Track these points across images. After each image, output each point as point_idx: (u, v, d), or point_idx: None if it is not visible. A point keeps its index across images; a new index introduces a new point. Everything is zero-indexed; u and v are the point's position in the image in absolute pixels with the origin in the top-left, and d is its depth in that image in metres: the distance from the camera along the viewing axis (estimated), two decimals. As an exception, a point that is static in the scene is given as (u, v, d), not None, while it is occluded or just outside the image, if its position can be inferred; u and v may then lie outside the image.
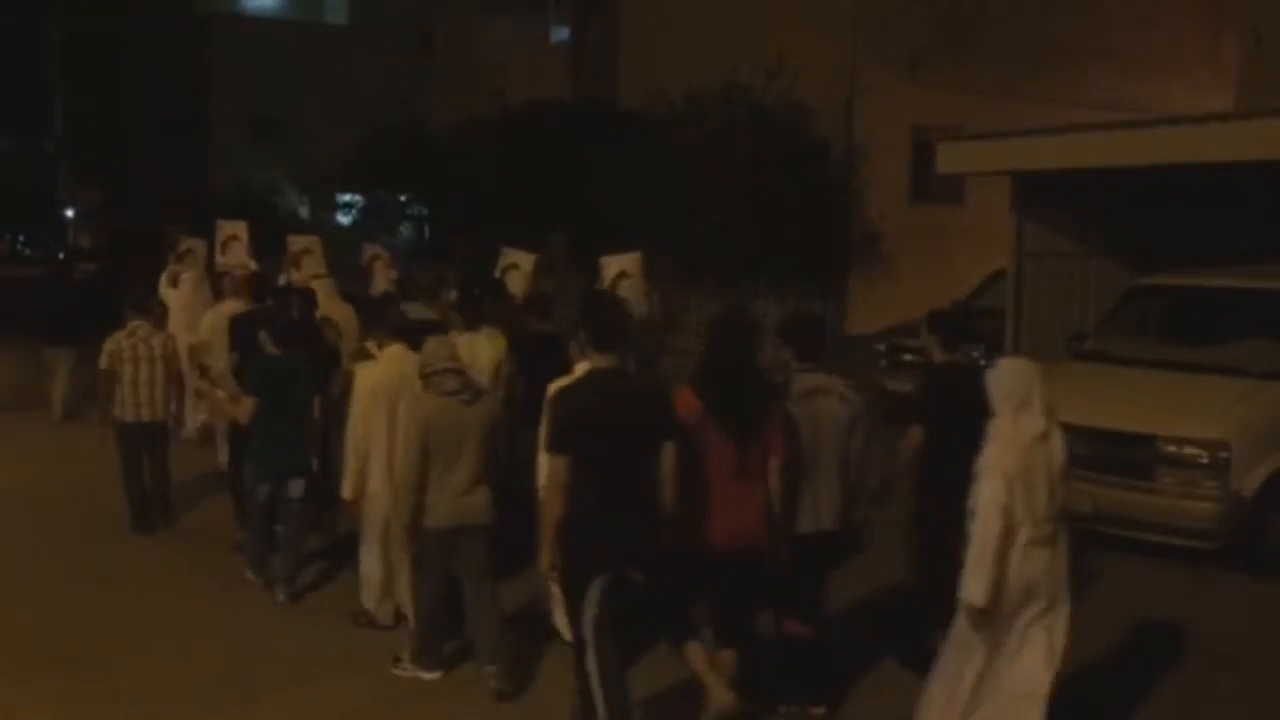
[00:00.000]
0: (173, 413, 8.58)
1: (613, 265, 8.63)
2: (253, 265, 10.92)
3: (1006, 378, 4.65)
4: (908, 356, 13.08)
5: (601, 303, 6.15)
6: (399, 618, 6.40)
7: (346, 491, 6.30)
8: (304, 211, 32.59)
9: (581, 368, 5.30)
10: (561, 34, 27.20)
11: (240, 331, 7.97)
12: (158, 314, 9.05)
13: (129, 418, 8.24)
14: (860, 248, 17.62)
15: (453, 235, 23.45)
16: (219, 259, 11.29)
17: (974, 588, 4.50)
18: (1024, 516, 4.50)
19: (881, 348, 13.42)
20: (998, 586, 4.50)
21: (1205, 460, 7.57)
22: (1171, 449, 7.70)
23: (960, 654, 4.70)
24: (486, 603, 5.64)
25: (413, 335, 6.26)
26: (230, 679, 5.90)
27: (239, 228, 11.39)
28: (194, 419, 10.09)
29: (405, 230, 27.04)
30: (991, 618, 4.56)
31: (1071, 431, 8.06)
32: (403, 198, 27.13)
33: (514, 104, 22.51)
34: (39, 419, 12.58)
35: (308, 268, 10.34)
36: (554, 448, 4.75)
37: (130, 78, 42.85)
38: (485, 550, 5.63)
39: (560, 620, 5.29)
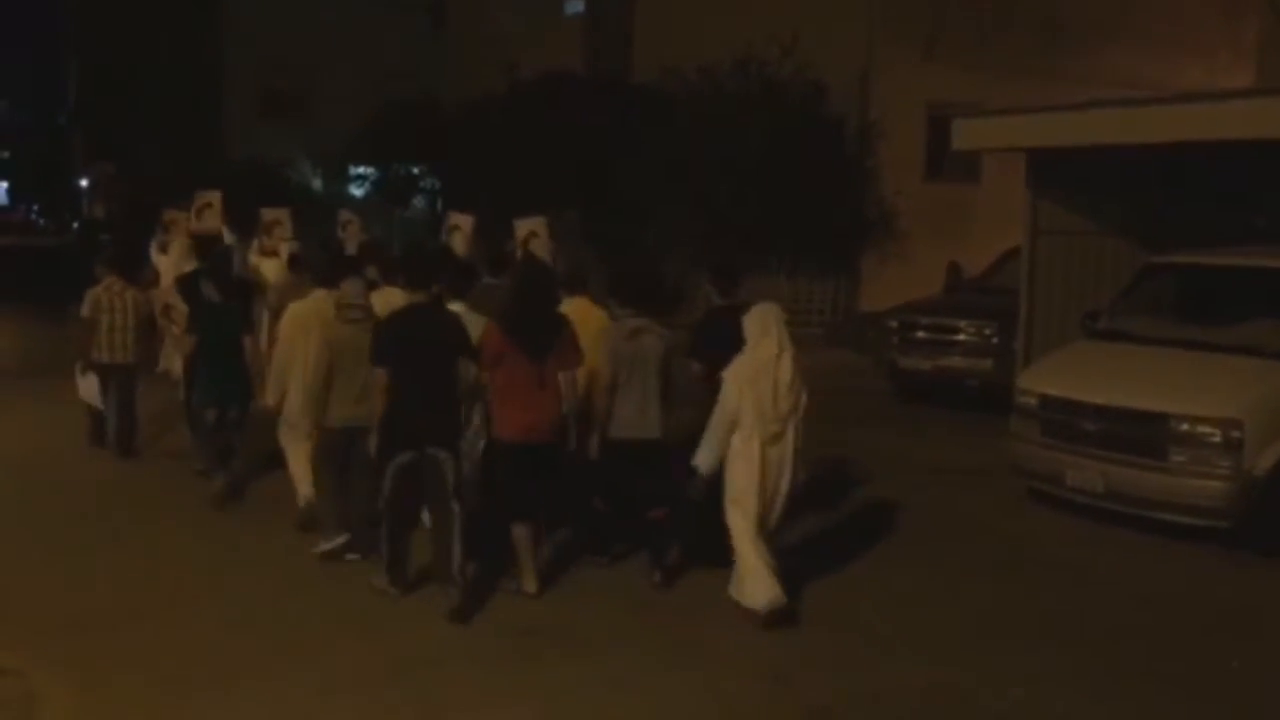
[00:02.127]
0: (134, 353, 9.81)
1: (524, 227, 10.01)
2: (224, 230, 11.95)
3: (753, 317, 6.26)
4: (920, 334, 13.06)
5: (417, 255, 7.66)
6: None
7: (270, 398, 7.84)
8: (317, 184, 32.56)
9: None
10: (576, 7, 27.06)
11: (185, 284, 9.34)
12: (134, 271, 10.39)
13: (104, 359, 9.59)
14: (874, 225, 17.56)
15: (463, 208, 23.43)
16: (194, 224, 12.20)
17: (703, 458, 6.25)
18: (756, 415, 6.09)
19: (894, 324, 13.38)
20: (754, 468, 6.11)
21: (1218, 439, 7.55)
22: (1184, 427, 7.68)
23: (737, 514, 6.23)
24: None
25: (332, 282, 7.57)
26: (245, 643, 5.94)
27: (214, 196, 12.38)
28: (164, 359, 10.85)
29: (418, 203, 27.00)
30: (749, 494, 6.15)
31: (1085, 409, 8.17)
32: (415, 170, 27.09)
33: (527, 77, 22.43)
34: (50, 386, 12.63)
35: (277, 235, 11.79)
36: (374, 360, 6.42)
37: (143, 49, 42.80)
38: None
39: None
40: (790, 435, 6.17)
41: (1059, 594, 6.91)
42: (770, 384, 6.09)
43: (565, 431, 6.71)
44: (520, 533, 6.51)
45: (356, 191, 29.99)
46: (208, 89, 35.44)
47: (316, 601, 6.53)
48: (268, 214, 12.14)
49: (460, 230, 10.95)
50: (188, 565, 7.17)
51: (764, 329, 6.18)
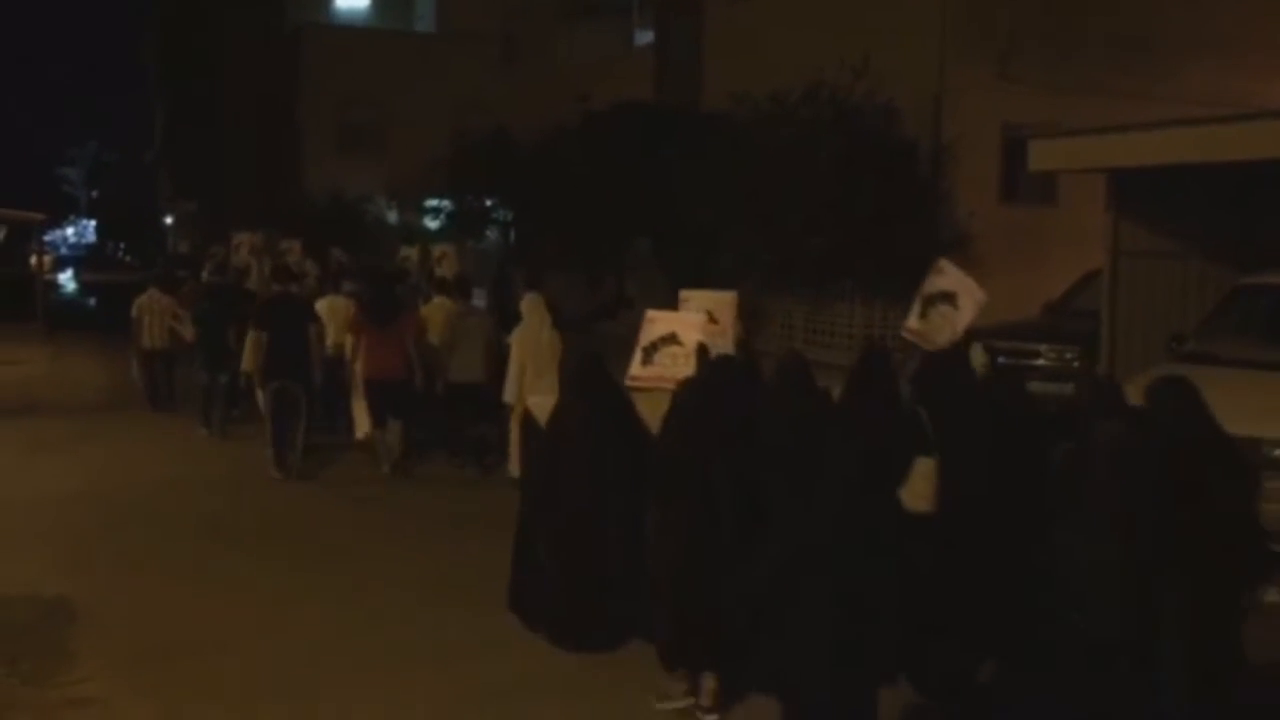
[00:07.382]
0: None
1: (437, 250, 15.36)
2: (253, 263, 15.56)
3: (525, 303, 9.95)
4: (1000, 359, 12.82)
5: (280, 264, 13.16)
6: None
7: (246, 366, 11.47)
8: (392, 217, 33.02)
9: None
10: (646, 37, 27.20)
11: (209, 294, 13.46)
12: (170, 287, 14.54)
13: (146, 345, 13.97)
14: (949, 249, 17.27)
15: (535, 239, 23.61)
16: (232, 258, 15.82)
17: (507, 393, 9.59)
18: (532, 362, 9.43)
19: (971, 349, 13.12)
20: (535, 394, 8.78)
21: (1313, 465, 7.29)
22: (1277, 453, 7.42)
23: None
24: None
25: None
26: (323, 675, 5.99)
27: (245, 236, 16.20)
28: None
29: (491, 234, 27.23)
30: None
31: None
32: (489, 202, 27.34)
33: (597, 107, 22.55)
34: (131, 419, 12.95)
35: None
36: (254, 328, 10.83)
37: (225, 89, 43.91)
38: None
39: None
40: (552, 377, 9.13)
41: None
42: (535, 343, 9.56)
43: (409, 373, 10.50)
44: (377, 433, 10.75)
45: (431, 224, 30.34)
46: (286, 125, 36.18)
47: (395, 634, 6.56)
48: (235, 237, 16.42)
49: (410, 260, 15.49)
50: (269, 599, 7.27)
51: (531, 309, 9.86)
